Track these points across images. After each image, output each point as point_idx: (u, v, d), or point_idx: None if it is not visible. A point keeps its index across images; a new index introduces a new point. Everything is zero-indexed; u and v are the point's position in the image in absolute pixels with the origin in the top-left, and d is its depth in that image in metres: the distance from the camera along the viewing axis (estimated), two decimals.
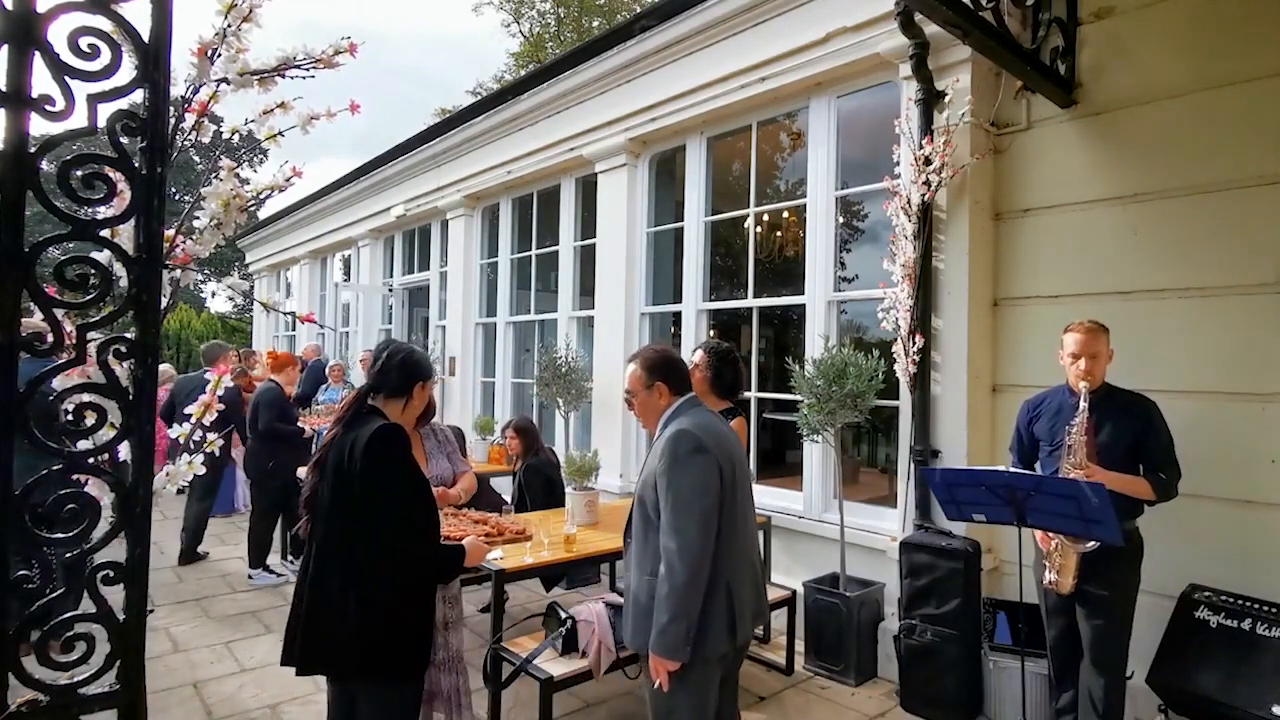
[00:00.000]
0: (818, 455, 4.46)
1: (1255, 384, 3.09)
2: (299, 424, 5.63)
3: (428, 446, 2.93)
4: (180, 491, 1.99)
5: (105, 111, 1.42)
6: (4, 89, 1.31)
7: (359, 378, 8.84)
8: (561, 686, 2.98)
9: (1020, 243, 3.83)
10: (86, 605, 1.45)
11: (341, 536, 2.04)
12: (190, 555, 5.81)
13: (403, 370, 2.23)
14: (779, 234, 6.72)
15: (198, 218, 1.81)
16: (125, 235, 1.50)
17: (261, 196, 2.03)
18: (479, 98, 10.91)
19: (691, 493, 2.02)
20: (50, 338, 1.39)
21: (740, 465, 2.19)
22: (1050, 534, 2.75)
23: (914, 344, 3.77)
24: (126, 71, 1.43)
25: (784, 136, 6.25)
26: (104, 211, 1.50)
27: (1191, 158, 3.28)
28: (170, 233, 1.66)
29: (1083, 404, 2.71)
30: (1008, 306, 3.87)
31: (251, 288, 15.05)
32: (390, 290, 9.93)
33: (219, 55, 1.73)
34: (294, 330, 12.43)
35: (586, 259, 6.47)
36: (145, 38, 1.44)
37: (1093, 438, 2.72)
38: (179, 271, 1.75)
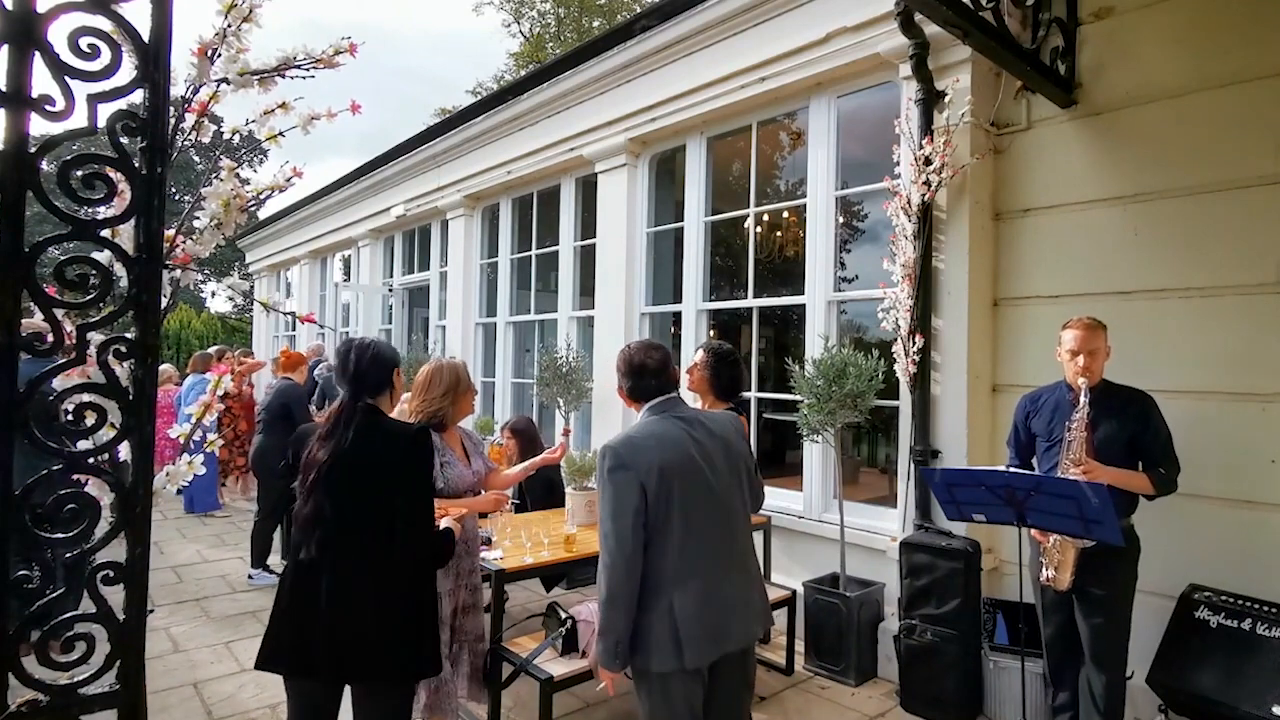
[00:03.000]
0: (818, 455, 4.46)
1: (1255, 384, 3.09)
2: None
3: (467, 446, 2.95)
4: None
5: (105, 111, 1.42)
6: (4, 89, 1.31)
7: None
8: (561, 686, 2.98)
9: (1020, 243, 3.83)
10: (86, 605, 1.45)
11: (368, 544, 2.06)
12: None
13: (377, 364, 2.21)
14: (779, 234, 6.72)
15: (198, 218, 1.81)
16: (125, 235, 1.49)
17: (261, 196, 2.03)
18: (479, 98, 10.90)
19: (610, 512, 2.00)
20: (50, 338, 1.39)
21: (685, 476, 2.03)
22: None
23: (914, 344, 3.77)
24: (126, 71, 1.42)
25: (784, 136, 6.25)
26: (104, 211, 1.50)
27: (1191, 158, 3.28)
28: (170, 233, 1.66)
29: (1083, 399, 2.71)
30: (1008, 306, 3.87)
31: (251, 288, 15.05)
32: (390, 290, 9.93)
33: (219, 55, 1.73)
34: (294, 330, 12.42)
35: (586, 259, 6.46)
36: (145, 38, 1.44)
37: (1091, 434, 2.72)
38: (179, 271, 1.75)
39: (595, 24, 22.25)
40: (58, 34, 1.35)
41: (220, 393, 2.05)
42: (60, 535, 1.41)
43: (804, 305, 4.65)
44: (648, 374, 2.17)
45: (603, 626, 2.01)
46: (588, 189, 6.45)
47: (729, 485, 2.13)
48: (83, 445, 1.45)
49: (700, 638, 1.99)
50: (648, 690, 2.06)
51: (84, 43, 1.37)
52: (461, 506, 2.71)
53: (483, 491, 2.94)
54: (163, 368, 8.47)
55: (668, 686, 2.02)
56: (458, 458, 2.85)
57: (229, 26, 1.71)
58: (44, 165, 1.37)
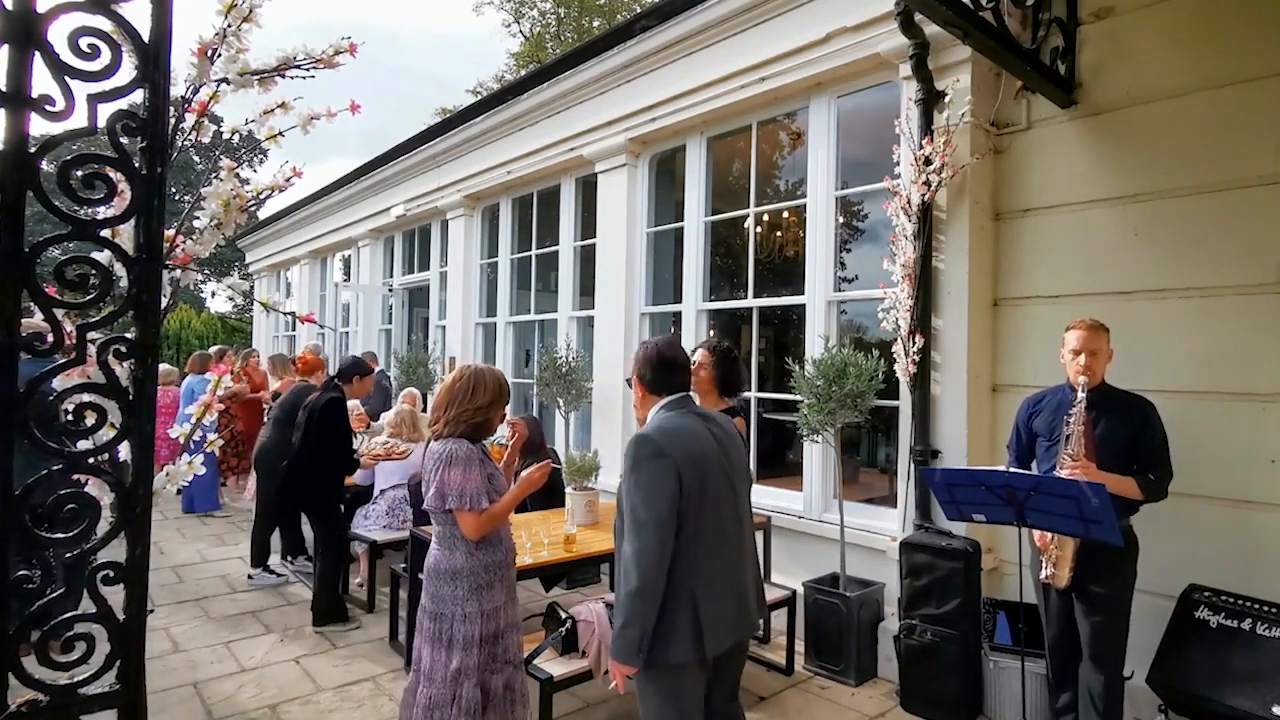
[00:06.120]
0: (818, 455, 4.46)
1: (1255, 384, 3.09)
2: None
3: (488, 468, 2.70)
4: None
5: (105, 111, 1.42)
6: (4, 89, 1.31)
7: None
8: (561, 686, 2.98)
9: (1020, 243, 3.83)
10: (86, 605, 1.45)
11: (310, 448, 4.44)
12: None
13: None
14: (779, 234, 6.72)
15: (198, 218, 1.81)
16: (125, 235, 1.50)
17: (261, 196, 2.03)
18: (479, 97, 10.90)
19: (645, 499, 1.97)
20: (50, 338, 1.39)
21: (711, 469, 2.08)
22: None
23: (914, 344, 3.77)
24: (126, 71, 1.43)
25: (784, 136, 6.25)
26: (104, 211, 1.50)
27: (1191, 158, 3.28)
28: (170, 233, 1.66)
29: (1081, 394, 2.72)
30: (1008, 306, 3.87)
31: (251, 288, 15.05)
32: (390, 290, 9.93)
33: (219, 55, 1.73)
34: (294, 330, 12.42)
35: (586, 259, 6.46)
36: (145, 38, 1.44)
37: (1090, 432, 2.72)
38: (179, 271, 1.75)
39: (595, 24, 22.25)
40: (58, 34, 1.35)
41: (220, 393, 2.05)
42: (60, 535, 1.42)
43: (804, 305, 4.65)
44: (676, 370, 2.22)
45: (628, 618, 1.94)
46: (588, 189, 6.45)
47: (740, 481, 2.22)
48: (83, 445, 1.45)
49: (719, 627, 2.04)
50: (657, 684, 2.04)
51: (84, 43, 1.37)
52: (517, 494, 2.60)
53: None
54: (163, 368, 8.48)
55: (681, 678, 2.04)
56: (497, 465, 2.71)
57: (229, 26, 1.71)
58: (44, 165, 1.37)
